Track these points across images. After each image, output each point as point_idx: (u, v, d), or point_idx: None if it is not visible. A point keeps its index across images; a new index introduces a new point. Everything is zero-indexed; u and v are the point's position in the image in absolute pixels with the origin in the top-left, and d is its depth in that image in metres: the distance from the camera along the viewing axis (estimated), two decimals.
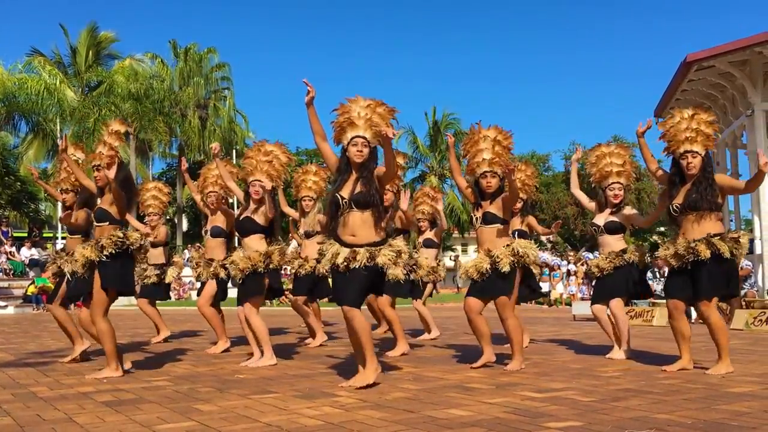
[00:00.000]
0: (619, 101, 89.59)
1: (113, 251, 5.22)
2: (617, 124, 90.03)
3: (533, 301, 12.95)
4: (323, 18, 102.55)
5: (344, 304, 4.59)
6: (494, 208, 5.44)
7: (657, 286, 12.02)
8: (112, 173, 5.22)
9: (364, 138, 4.70)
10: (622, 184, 6.24)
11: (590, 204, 6.50)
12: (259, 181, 5.98)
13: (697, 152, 5.12)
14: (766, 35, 13.93)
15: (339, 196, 4.69)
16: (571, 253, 23.55)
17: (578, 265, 20.09)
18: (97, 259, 5.22)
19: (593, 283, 6.64)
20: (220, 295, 7.38)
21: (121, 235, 5.30)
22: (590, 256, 17.20)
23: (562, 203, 35.10)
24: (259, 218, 5.97)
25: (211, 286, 7.23)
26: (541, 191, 35.80)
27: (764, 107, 15.20)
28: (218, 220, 7.32)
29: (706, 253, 4.91)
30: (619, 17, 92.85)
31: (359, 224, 4.65)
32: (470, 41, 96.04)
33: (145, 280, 8.29)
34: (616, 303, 6.18)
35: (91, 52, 32.01)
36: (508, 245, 5.37)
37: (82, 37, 32.04)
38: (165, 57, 34.72)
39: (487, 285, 5.38)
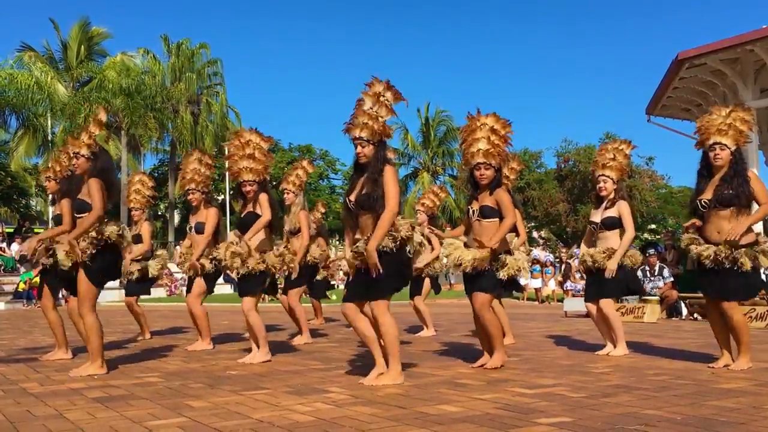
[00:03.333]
0: (611, 98, 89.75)
1: (94, 250, 5.17)
2: (609, 122, 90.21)
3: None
4: (315, 14, 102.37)
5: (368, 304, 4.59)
6: (492, 201, 5.27)
7: (648, 285, 12.05)
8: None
9: (360, 138, 4.61)
10: (607, 176, 6.16)
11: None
12: (249, 182, 5.95)
13: (725, 145, 5.05)
14: (758, 33, 14.01)
15: (347, 200, 4.68)
16: (564, 250, 23.61)
17: (570, 261, 20.17)
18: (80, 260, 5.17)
19: (585, 280, 6.61)
20: (207, 291, 7.30)
21: (95, 234, 5.20)
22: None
23: (554, 200, 35.12)
24: (263, 213, 5.96)
25: (200, 284, 7.16)
26: (534, 188, 35.88)
27: (755, 104, 15.29)
28: (202, 216, 7.22)
29: (748, 265, 4.90)
30: (611, 14, 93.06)
31: (368, 226, 4.58)
32: (462, 38, 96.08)
33: (129, 276, 8.15)
34: (607, 303, 6.17)
35: (82, 48, 31.88)
36: (514, 255, 5.30)
37: (73, 32, 31.92)
38: (157, 52, 34.63)
39: (476, 279, 5.28)
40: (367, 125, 4.61)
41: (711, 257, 5.02)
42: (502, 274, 5.21)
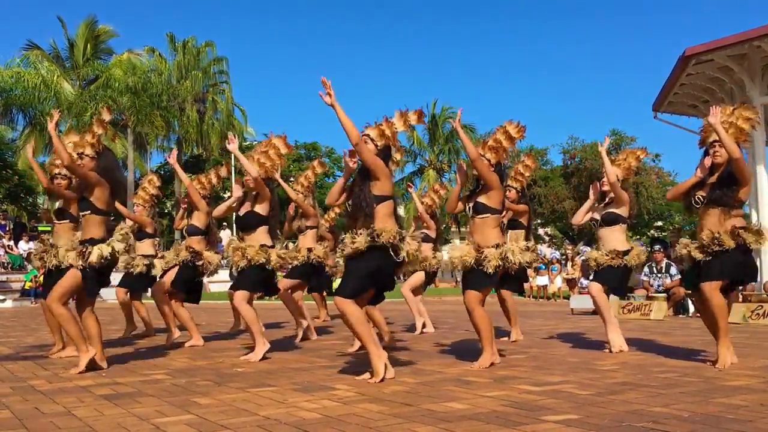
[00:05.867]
0: (617, 95, 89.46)
1: (97, 264, 5.17)
2: (615, 118, 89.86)
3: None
4: (322, 11, 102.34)
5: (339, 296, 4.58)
6: (484, 198, 5.31)
7: (654, 282, 12.02)
8: (84, 171, 5.22)
9: (366, 135, 4.70)
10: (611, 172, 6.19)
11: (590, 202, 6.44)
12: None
13: (722, 143, 5.05)
14: (765, 29, 13.91)
15: (347, 204, 4.76)
16: (569, 247, 23.58)
17: (576, 258, 20.16)
18: (78, 265, 5.15)
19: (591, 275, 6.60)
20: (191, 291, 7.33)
21: (110, 251, 5.21)
22: (587, 249, 17.24)
23: (560, 197, 35.03)
24: (262, 210, 5.98)
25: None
26: (540, 185, 35.79)
27: (763, 101, 15.20)
28: (194, 219, 7.30)
29: (730, 243, 4.92)
30: (618, 10, 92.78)
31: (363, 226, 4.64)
32: (468, 35, 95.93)
33: (132, 269, 8.08)
34: (597, 287, 6.17)
35: (89, 46, 31.92)
36: (498, 246, 5.23)
37: (80, 31, 31.94)
38: (163, 50, 34.68)
39: (467, 277, 5.32)
40: (378, 128, 4.72)
41: (699, 248, 5.07)
42: (488, 268, 5.14)
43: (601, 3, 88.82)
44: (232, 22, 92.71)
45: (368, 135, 4.71)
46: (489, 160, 5.36)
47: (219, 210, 6.27)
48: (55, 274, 5.79)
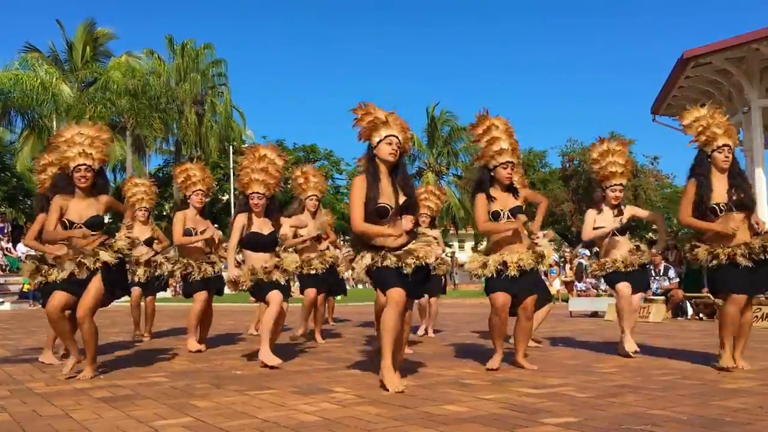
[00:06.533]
0: (616, 97, 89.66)
1: (122, 254, 5.10)
2: (614, 120, 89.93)
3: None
4: (321, 13, 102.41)
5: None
6: (521, 201, 5.25)
7: (654, 285, 12.02)
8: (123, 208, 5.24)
9: (398, 138, 4.58)
10: (624, 185, 6.21)
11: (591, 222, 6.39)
12: (258, 193, 5.84)
13: (731, 147, 5.08)
14: (763, 32, 13.96)
15: (387, 206, 4.50)
16: (568, 250, 23.58)
17: (574, 261, 20.17)
18: (112, 261, 5.01)
19: (605, 276, 6.44)
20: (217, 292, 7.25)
21: (127, 243, 5.16)
22: (587, 252, 17.24)
23: (559, 200, 35.06)
24: (277, 228, 6.03)
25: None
26: (538, 188, 35.82)
27: (761, 104, 15.25)
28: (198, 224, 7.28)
29: None
30: (618, 11, 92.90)
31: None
32: (468, 35, 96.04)
33: (160, 277, 7.93)
34: (638, 298, 6.34)
35: (88, 48, 31.94)
36: (539, 244, 5.21)
37: (78, 33, 31.97)
38: (161, 53, 34.67)
39: (523, 281, 5.12)
40: (404, 134, 4.64)
41: (746, 254, 4.90)
42: (543, 267, 5.29)
43: (602, 3, 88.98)
44: (231, 25, 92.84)
45: (398, 138, 4.58)
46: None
47: (231, 243, 6.06)
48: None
